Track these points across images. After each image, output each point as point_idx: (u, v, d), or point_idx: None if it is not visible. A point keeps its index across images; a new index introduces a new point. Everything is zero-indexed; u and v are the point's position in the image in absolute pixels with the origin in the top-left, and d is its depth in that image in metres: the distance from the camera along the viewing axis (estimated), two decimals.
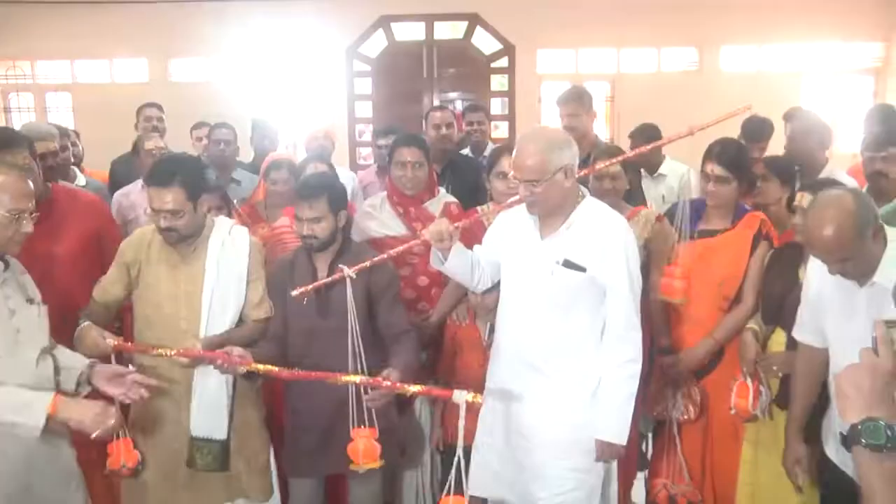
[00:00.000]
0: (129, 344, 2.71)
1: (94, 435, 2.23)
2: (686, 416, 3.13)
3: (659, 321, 3.18)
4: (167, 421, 2.84)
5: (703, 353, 3.09)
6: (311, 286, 2.69)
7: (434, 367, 3.34)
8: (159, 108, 5.29)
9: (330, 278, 2.71)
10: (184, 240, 2.79)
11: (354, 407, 2.53)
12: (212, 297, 2.78)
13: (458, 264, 2.68)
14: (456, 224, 2.64)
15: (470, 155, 5.00)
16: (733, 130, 3.91)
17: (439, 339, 3.33)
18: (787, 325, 2.77)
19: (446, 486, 2.09)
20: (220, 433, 2.79)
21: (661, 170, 4.87)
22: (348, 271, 2.61)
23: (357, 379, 2.42)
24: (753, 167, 3.35)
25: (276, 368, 2.51)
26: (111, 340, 2.59)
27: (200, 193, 2.79)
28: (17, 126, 7.92)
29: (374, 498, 3.01)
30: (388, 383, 2.43)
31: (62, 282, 2.87)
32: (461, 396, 2.14)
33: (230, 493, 2.93)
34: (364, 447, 2.46)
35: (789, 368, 2.77)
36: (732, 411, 2.89)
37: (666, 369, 3.15)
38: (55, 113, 8.76)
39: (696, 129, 2.77)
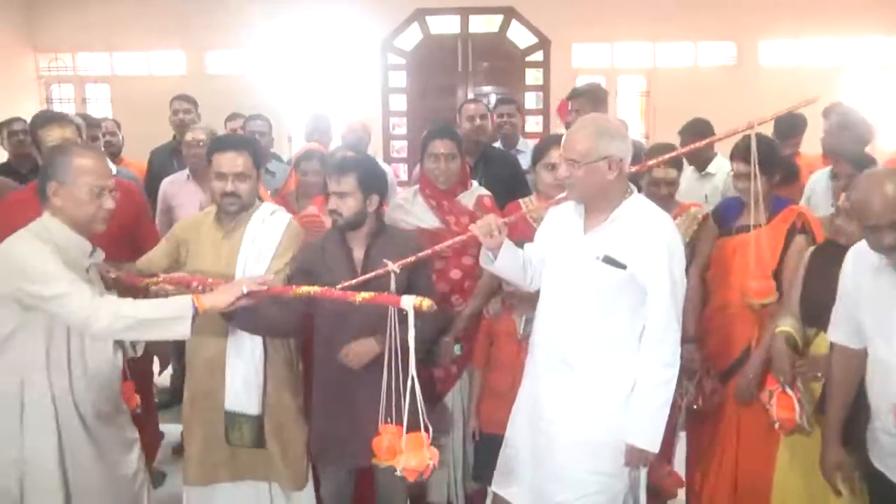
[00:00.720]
0: (127, 275, 2.83)
1: (246, 290, 2.41)
2: (696, 406, 3.15)
3: (691, 311, 3.10)
4: (205, 394, 2.96)
5: (758, 368, 3.04)
6: (354, 281, 2.63)
7: (469, 358, 3.34)
8: (188, 99, 5.32)
9: (374, 273, 2.63)
10: (240, 211, 2.93)
11: (384, 401, 2.51)
12: (244, 269, 2.87)
13: (509, 263, 2.63)
14: (504, 220, 2.61)
15: (501, 148, 4.97)
16: (765, 128, 3.85)
17: (473, 331, 3.32)
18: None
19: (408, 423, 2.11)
20: (253, 408, 2.88)
21: (710, 167, 4.76)
22: (392, 266, 2.54)
23: (311, 290, 2.43)
24: (839, 163, 3.30)
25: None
26: (113, 273, 2.76)
27: (261, 164, 3.04)
28: None
29: (401, 487, 3.01)
30: (339, 291, 2.43)
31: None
32: (408, 301, 2.16)
33: (267, 474, 3.01)
34: (388, 444, 2.44)
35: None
36: (776, 425, 2.80)
37: (685, 358, 3.11)
38: (94, 104, 8.91)
39: (756, 123, 2.71)
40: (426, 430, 2.18)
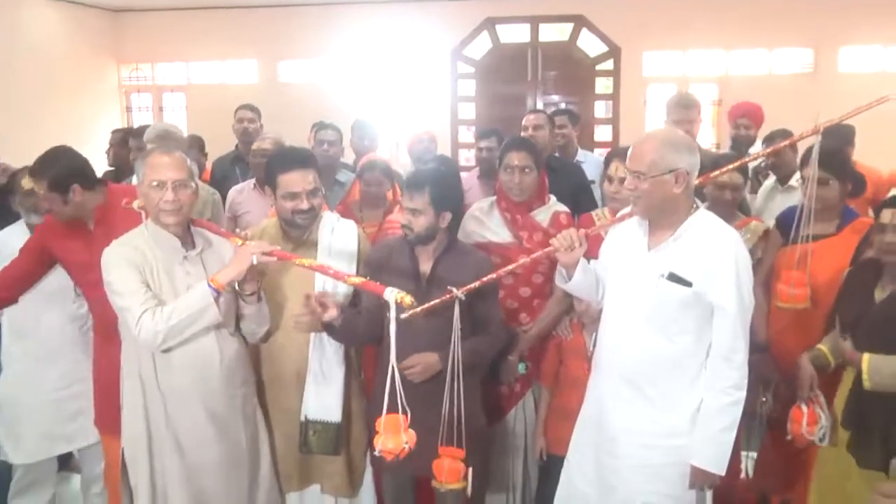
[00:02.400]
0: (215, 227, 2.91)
1: (255, 261, 2.51)
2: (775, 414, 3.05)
3: (758, 319, 3.02)
4: (282, 405, 2.95)
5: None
6: (420, 309, 2.35)
7: (534, 377, 3.31)
8: (252, 108, 5.39)
9: (439, 300, 2.44)
10: (312, 223, 2.92)
11: (446, 422, 2.44)
12: (324, 283, 2.86)
13: (583, 281, 2.61)
14: (584, 231, 2.56)
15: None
16: None
17: (539, 350, 3.29)
18: (861, 344, 2.67)
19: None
20: (335, 416, 2.88)
21: (793, 181, 4.50)
22: (458, 293, 2.42)
23: (306, 262, 2.51)
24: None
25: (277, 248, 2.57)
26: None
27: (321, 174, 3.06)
28: (136, 123, 8.37)
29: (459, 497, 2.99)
30: (333, 272, 2.48)
31: None
32: (391, 294, 2.16)
33: (325, 480, 3.01)
34: (449, 468, 2.40)
35: (841, 357, 2.72)
36: (788, 437, 2.79)
37: (757, 366, 3.05)
38: (170, 112, 9.19)
39: (822, 126, 2.62)
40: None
